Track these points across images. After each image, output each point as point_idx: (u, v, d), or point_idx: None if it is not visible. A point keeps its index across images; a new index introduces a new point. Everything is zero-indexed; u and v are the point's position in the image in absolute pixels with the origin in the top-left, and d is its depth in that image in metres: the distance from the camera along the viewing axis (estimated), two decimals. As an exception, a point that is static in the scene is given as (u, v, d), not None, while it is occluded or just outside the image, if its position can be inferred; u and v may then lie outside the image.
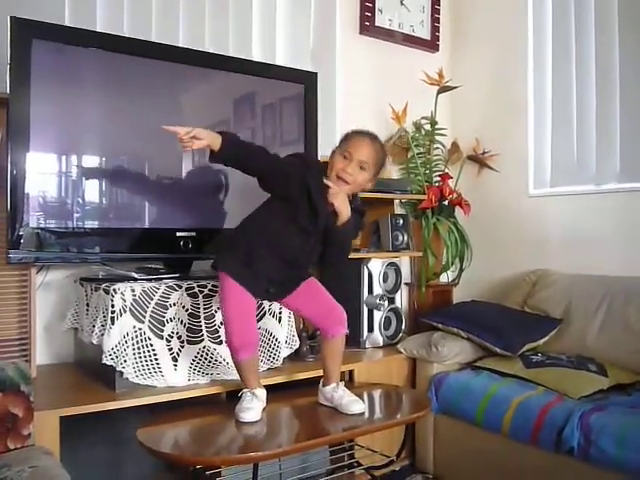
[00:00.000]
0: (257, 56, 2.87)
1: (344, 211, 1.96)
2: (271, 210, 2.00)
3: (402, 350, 2.74)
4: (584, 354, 2.60)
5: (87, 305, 2.18)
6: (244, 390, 2.00)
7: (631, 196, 2.88)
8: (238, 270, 1.95)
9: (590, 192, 3.06)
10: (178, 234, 2.29)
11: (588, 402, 2.21)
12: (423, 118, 3.44)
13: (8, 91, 1.97)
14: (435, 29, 3.61)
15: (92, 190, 2.23)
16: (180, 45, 2.58)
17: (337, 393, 2.08)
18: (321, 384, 2.15)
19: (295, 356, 2.46)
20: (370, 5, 3.29)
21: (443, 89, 3.37)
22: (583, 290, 2.84)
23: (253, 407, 1.95)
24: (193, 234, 2.32)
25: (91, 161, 2.24)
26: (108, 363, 1.97)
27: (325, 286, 2.15)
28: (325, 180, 1.95)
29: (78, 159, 2.19)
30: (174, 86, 2.37)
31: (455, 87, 3.38)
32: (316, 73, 2.66)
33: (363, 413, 2.03)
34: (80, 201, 2.17)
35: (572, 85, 3.12)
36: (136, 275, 2.16)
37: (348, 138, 2.00)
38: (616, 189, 2.94)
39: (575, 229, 3.10)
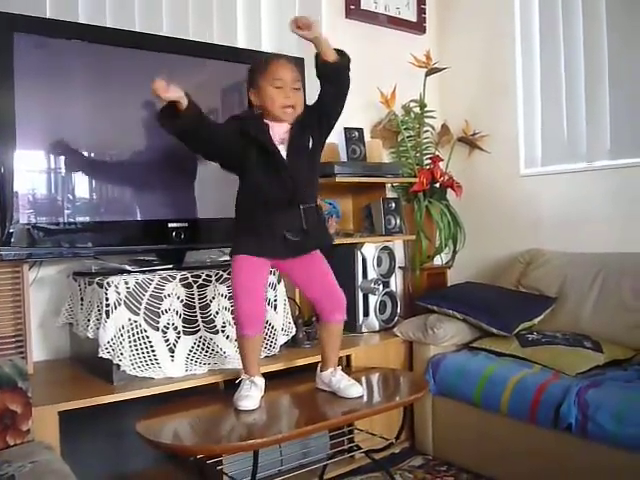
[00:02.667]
0: (243, 43, 2.85)
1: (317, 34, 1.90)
2: (245, 178, 2.01)
3: (398, 333, 2.75)
4: (579, 331, 2.62)
5: (81, 300, 2.17)
6: (242, 377, 2.00)
7: (622, 172, 2.88)
8: (247, 245, 1.98)
9: (581, 170, 3.06)
10: (170, 225, 2.28)
11: (584, 378, 2.23)
12: (412, 101, 3.43)
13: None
14: (421, 11, 3.59)
15: (82, 184, 2.22)
16: (164, 34, 2.56)
17: (335, 378, 2.08)
18: (319, 369, 2.16)
19: (292, 343, 2.46)
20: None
21: (431, 71, 3.35)
22: (577, 268, 2.85)
23: (252, 395, 1.95)
24: (185, 224, 2.31)
25: (79, 155, 2.22)
26: (105, 357, 1.97)
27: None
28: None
29: (66, 154, 2.17)
30: (160, 75, 2.34)
31: (443, 69, 3.37)
32: (302, 59, 2.64)
33: (361, 397, 2.03)
34: (70, 196, 2.16)
35: (560, 63, 3.12)
36: (129, 268, 2.15)
37: (267, 68, 1.95)
38: (607, 166, 2.95)
39: (567, 207, 3.10)
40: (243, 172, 2.02)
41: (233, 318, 1.98)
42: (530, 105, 3.30)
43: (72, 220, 2.14)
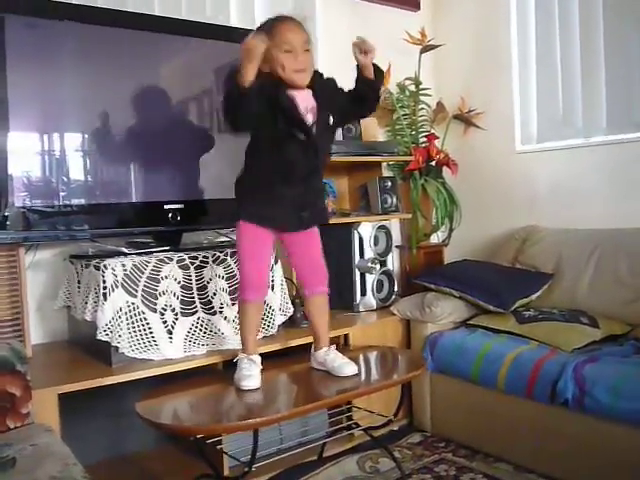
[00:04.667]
0: (235, 22, 2.81)
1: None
2: (263, 143, 1.98)
3: (396, 312, 2.76)
4: (576, 307, 2.63)
5: (78, 282, 2.17)
6: (240, 356, 2.00)
7: (618, 148, 2.88)
8: (259, 213, 1.97)
9: (577, 146, 3.05)
10: (166, 206, 2.27)
11: (581, 354, 2.24)
12: (407, 79, 3.41)
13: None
14: (416, -13, 3.55)
15: (76, 166, 2.21)
16: (156, 14, 2.53)
17: (329, 357, 2.08)
18: (312, 348, 2.16)
19: (289, 323, 2.47)
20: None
21: (426, 48, 3.33)
22: (573, 244, 2.86)
23: (253, 374, 1.95)
24: (181, 206, 2.30)
25: (73, 137, 2.21)
26: (103, 339, 1.98)
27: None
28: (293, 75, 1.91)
29: (60, 136, 2.16)
30: (153, 55, 2.34)
31: (438, 46, 3.34)
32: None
33: (357, 375, 2.04)
34: (65, 178, 2.15)
35: (556, 38, 3.09)
36: (126, 250, 2.15)
37: (276, 31, 1.90)
38: (603, 142, 2.94)
39: (563, 184, 3.10)
40: (265, 140, 1.97)
41: (232, 299, 1.97)
42: (526, 81, 3.29)
43: (67, 203, 2.13)
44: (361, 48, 1.94)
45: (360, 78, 2.00)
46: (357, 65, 1.99)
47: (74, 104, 2.18)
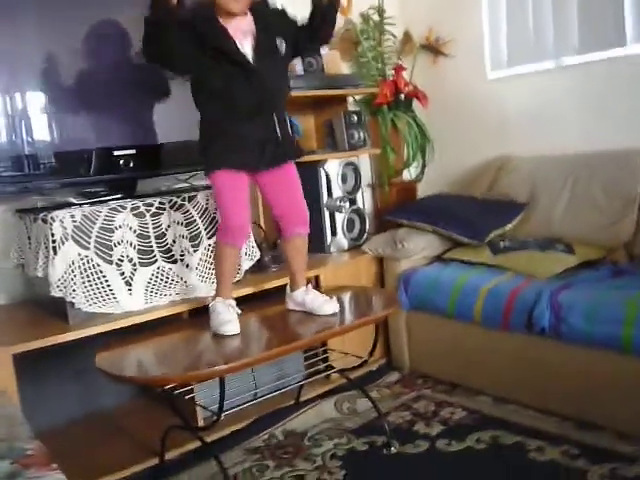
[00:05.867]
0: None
1: None
2: (208, 86, 1.86)
3: (367, 250, 2.68)
4: (551, 235, 2.57)
5: (29, 238, 2.05)
6: (217, 300, 1.93)
7: (589, 68, 2.77)
8: (223, 158, 1.86)
9: (548, 70, 2.93)
10: (116, 153, 2.14)
11: (557, 281, 2.19)
12: (370, 8, 3.25)
13: None
14: None
15: (24, 117, 2.04)
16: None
17: (308, 296, 2.02)
18: (288, 289, 2.09)
19: (257, 268, 2.38)
20: None
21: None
22: (547, 171, 2.78)
23: (232, 318, 1.87)
24: (132, 151, 2.17)
25: (13, 84, 2.03)
26: (57, 295, 1.88)
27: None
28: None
29: (7, 83, 1.99)
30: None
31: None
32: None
33: (335, 314, 1.97)
34: (13, 129, 2.00)
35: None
36: (75, 200, 2.03)
37: None
38: (574, 64, 2.83)
39: (536, 109, 2.99)
40: (205, 80, 1.86)
41: (193, 246, 1.86)
42: (494, 5, 3.13)
43: (11, 154, 1.98)
44: None
45: (314, 5, 1.88)
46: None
47: (13, 49, 2.01)
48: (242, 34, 1.82)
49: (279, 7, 1.96)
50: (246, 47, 1.83)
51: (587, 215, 2.56)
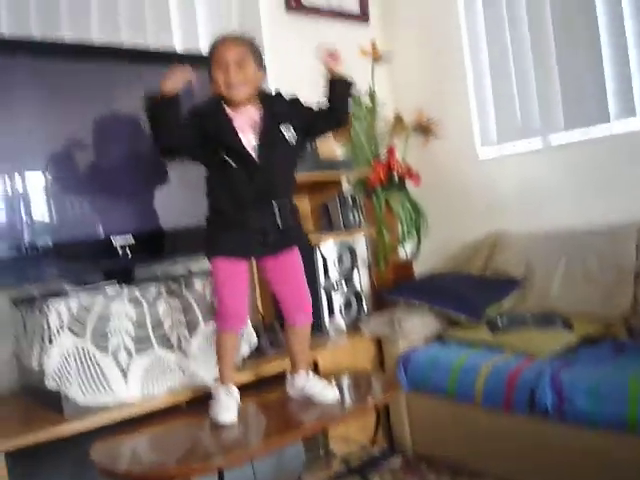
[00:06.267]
0: (179, 41, 2.74)
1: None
2: (213, 174, 1.92)
3: (366, 331, 2.66)
4: (549, 310, 2.57)
5: (24, 327, 2.03)
6: (217, 387, 1.91)
7: (576, 147, 2.86)
8: (223, 244, 1.89)
9: (537, 150, 3.02)
10: (113, 240, 2.14)
11: (557, 359, 2.17)
12: (362, 94, 3.35)
13: None
14: (364, 1, 3.51)
15: (19, 206, 2.06)
16: (94, 37, 2.45)
17: (309, 382, 2.00)
18: (289, 375, 2.07)
19: (256, 352, 2.35)
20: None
21: (377, 59, 3.28)
22: (541, 247, 2.81)
23: (231, 406, 1.85)
24: (130, 237, 2.17)
25: (18, 173, 2.05)
26: (52, 387, 1.85)
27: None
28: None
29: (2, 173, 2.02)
30: (100, 85, 2.22)
31: (388, 56, 3.30)
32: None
33: (337, 400, 1.94)
34: (8, 219, 2.01)
35: (507, 43, 3.09)
36: (70, 288, 2.03)
37: (213, 52, 1.90)
38: (561, 144, 2.91)
39: (527, 187, 3.05)
40: (211, 168, 1.92)
41: (190, 333, 1.87)
42: (481, 87, 3.26)
43: (10, 245, 1.98)
44: (329, 53, 1.92)
45: (330, 87, 1.95)
46: (328, 76, 1.94)
47: (19, 137, 2.04)
48: (249, 125, 1.88)
49: (292, 96, 2.01)
50: (251, 139, 1.87)
51: (584, 289, 2.57)
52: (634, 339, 2.33)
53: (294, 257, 2.00)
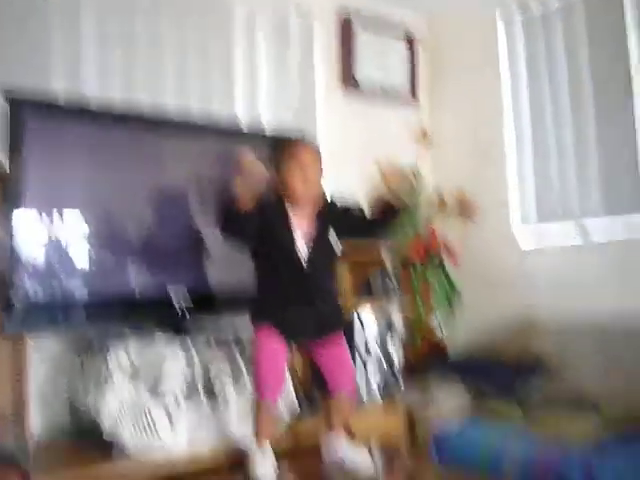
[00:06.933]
0: (240, 112, 2.92)
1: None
2: (266, 267, 2.07)
3: (399, 404, 2.72)
4: (581, 397, 2.60)
5: (81, 371, 2.15)
6: (255, 449, 1.96)
7: (618, 246, 2.92)
8: (272, 318, 2.00)
9: (579, 244, 3.09)
10: (173, 303, 2.28)
11: (588, 446, 2.20)
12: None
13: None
14: (414, 82, 3.70)
15: (83, 260, 2.22)
16: (166, 103, 2.65)
17: (346, 450, 2.08)
18: (326, 441, 2.13)
19: (295, 418, 2.39)
20: (349, 61, 3.40)
21: (426, 144, 3.45)
22: (577, 335, 2.87)
23: (268, 473, 1.92)
24: (190, 304, 2.32)
25: (81, 230, 2.23)
26: (106, 430, 1.94)
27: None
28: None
29: (70, 228, 2.19)
30: (158, 152, 2.41)
31: (437, 143, 3.46)
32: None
33: (371, 470, 2.01)
34: (71, 271, 2.16)
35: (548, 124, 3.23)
36: (129, 338, 2.15)
37: (291, 149, 2.04)
38: (603, 242, 2.98)
39: (566, 280, 3.11)
40: (259, 259, 2.08)
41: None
42: (522, 172, 3.39)
43: (74, 295, 2.14)
44: (390, 172, 2.11)
45: (380, 207, 2.10)
46: (383, 193, 2.11)
47: (82, 198, 2.24)
48: (303, 231, 2.04)
49: (332, 199, 2.17)
50: (303, 245, 2.03)
51: (616, 379, 2.62)
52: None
53: (339, 339, 2.13)
